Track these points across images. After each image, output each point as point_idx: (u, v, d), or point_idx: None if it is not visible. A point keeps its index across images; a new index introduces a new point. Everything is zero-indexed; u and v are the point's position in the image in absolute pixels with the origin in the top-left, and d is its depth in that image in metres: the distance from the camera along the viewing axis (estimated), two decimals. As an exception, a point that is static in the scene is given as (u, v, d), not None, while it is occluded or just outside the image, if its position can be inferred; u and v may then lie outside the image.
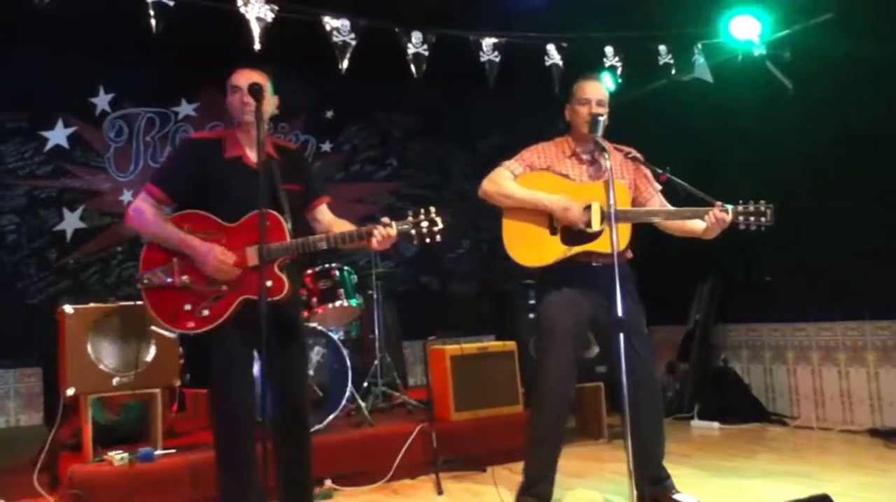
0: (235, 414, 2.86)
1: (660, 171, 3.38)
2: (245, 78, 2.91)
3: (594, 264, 3.26)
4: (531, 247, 3.32)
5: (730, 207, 3.17)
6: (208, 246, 2.82)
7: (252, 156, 2.93)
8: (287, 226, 2.87)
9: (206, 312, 2.83)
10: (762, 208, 3.14)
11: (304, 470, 3.07)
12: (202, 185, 2.91)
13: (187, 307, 2.83)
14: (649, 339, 3.52)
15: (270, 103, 2.99)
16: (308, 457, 3.08)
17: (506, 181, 3.38)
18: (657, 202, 3.47)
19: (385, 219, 2.86)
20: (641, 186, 3.50)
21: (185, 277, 2.84)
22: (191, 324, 2.84)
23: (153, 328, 2.95)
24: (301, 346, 3.17)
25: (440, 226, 2.85)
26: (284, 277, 2.88)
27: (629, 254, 3.40)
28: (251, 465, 2.87)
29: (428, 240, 2.87)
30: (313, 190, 3.16)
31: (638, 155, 3.48)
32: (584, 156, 3.43)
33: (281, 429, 3.00)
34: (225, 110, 3.03)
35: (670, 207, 3.44)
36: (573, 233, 3.27)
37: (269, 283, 2.82)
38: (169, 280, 2.84)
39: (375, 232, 2.83)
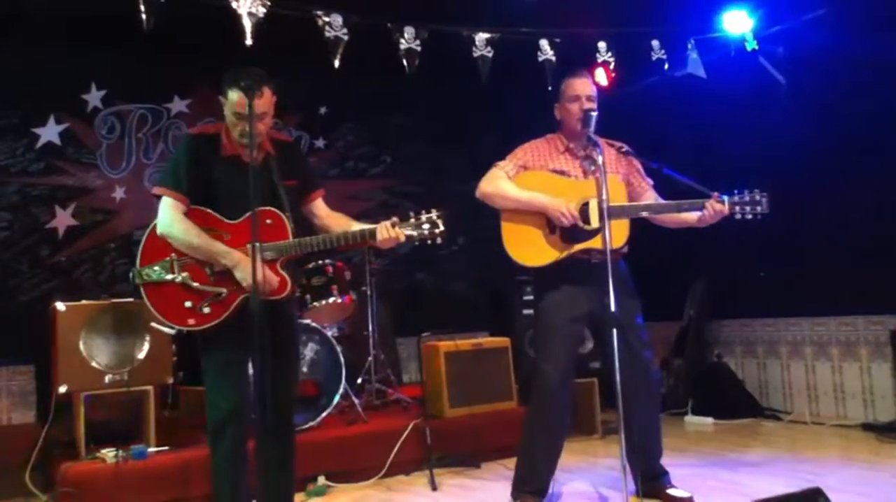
0: (229, 412, 2.85)
1: (655, 166, 3.41)
2: (262, 107, 2.81)
3: (593, 261, 3.25)
4: (531, 247, 3.32)
5: (725, 198, 3.25)
6: (239, 256, 2.79)
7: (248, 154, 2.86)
8: (290, 225, 2.86)
9: (206, 309, 2.82)
10: (757, 197, 3.23)
11: (287, 470, 3.06)
12: (204, 182, 2.88)
13: (188, 304, 2.82)
14: (647, 335, 3.53)
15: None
16: (291, 457, 3.06)
17: (502, 182, 3.36)
18: (651, 196, 3.50)
19: (395, 219, 2.85)
20: (634, 181, 3.53)
21: (184, 274, 2.82)
22: (192, 321, 2.82)
23: (152, 324, 2.88)
24: (296, 346, 3.17)
25: (441, 228, 2.84)
26: (287, 276, 2.88)
27: (624, 250, 3.41)
28: (243, 463, 2.87)
29: (429, 243, 2.86)
30: (309, 183, 3.11)
31: (629, 150, 3.50)
32: (578, 153, 3.43)
33: (265, 428, 2.99)
34: (218, 106, 2.98)
35: (661, 200, 3.47)
36: (573, 231, 3.26)
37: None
38: (168, 277, 2.82)
39: (378, 232, 2.81)
